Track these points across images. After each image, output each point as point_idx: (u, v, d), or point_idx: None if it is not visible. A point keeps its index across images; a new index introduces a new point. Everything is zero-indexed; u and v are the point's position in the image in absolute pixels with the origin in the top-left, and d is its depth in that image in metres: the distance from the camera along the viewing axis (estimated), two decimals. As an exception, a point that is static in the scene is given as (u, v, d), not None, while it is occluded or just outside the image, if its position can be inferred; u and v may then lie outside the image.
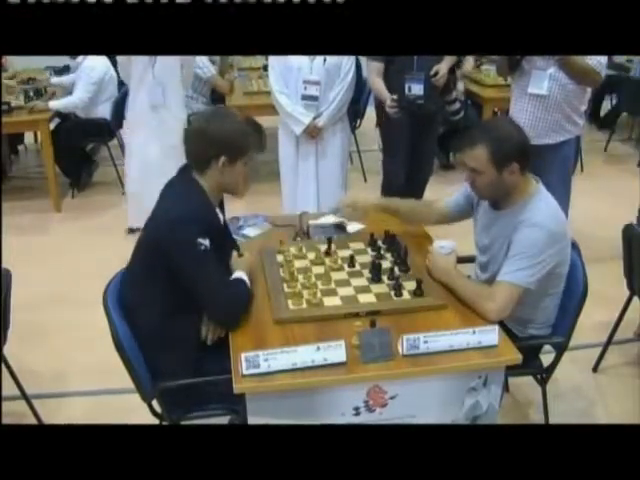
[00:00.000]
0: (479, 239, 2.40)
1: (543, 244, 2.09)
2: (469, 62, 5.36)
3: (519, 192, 2.19)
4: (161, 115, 4.11)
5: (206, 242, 2.01)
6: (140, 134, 4.21)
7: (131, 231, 4.37)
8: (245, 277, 2.14)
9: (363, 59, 4.25)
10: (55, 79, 5.62)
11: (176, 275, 2.03)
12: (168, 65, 4.04)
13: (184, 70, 4.16)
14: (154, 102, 4.08)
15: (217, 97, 5.52)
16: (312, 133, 3.73)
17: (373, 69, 3.69)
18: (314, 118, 3.69)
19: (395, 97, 3.56)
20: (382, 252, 2.45)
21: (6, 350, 2.56)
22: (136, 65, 4.07)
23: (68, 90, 5.27)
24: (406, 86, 3.62)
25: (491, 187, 2.18)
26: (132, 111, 4.24)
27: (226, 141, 2.07)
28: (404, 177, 3.85)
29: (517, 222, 2.15)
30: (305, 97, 3.67)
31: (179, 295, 2.06)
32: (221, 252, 2.15)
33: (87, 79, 4.88)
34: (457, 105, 3.79)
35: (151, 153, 4.16)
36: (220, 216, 2.25)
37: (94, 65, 4.93)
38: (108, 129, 5.13)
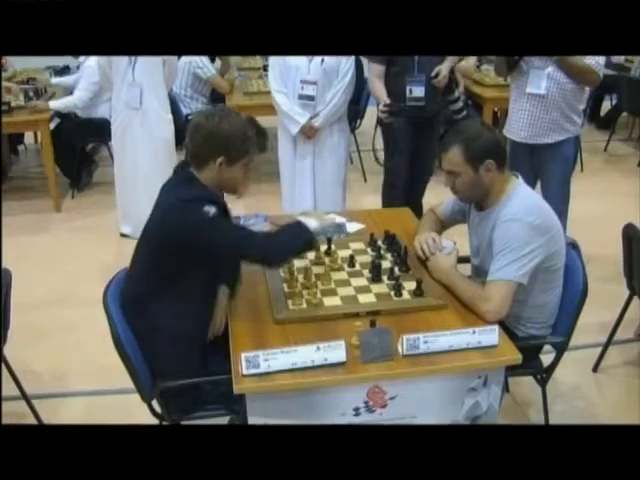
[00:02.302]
0: (471, 242, 2.42)
1: (524, 237, 2.09)
2: (468, 60, 5.33)
3: (498, 191, 2.21)
4: (145, 116, 4.08)
5: (212, 209, 1.99)
6: (124, 138, 4.19)
7: (123, 236, 4.37)
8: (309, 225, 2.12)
9: (365, 58, 4.25)
10: (55, 79, 5.60)
11: (189, 255, 2.01)
12: (149, 65, 3.99)
13: (166, 68, 4.10)
14: (131, 105, 4.05)
15: (217, 97, 5.53)
16: (308, 133, 3.73)
17: (374, 71, 3.69)
18: (311, 118, 3.69)
19: (388, 102, 3.56)
20: (382, 252, 2.45)
21: (6, 350, 2.55)
22: (117, 66, 4.04)
23: (69, 90, 5.27)
24: (407, 88, 3.61)
25: (471, 187, 2.20)
26: (115, 114, 4.22)
27: (226, 142, 2.04)
28: (406, 178, 3.86)
29: (495, 220, 2.18)
30: (302, 97, 3.67)
31: (184, 290, 2.06)
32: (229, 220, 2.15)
33: (89, 79, 4.87)
34: (460, 104, 3.79)
35: (135, 156, 4.15)
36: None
37: (96, 65, 4.92)
38: (108, 129, 5.13)
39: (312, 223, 2.14)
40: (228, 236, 2.04)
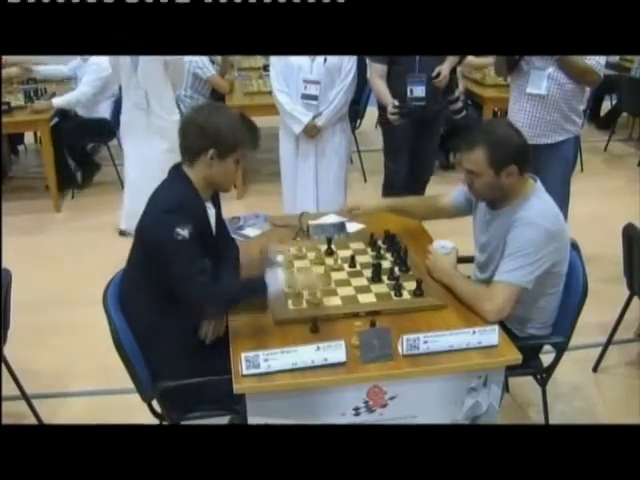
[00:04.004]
0: (477, 238, 2.41)
1: (539, 242, 2.09)
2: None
3: (516, 192, 2.19)
4: (150, 118, 4.10)
5: (185, 232, 1.96)
6: (132, 137, 4.22)
7: (122, 234, 4.37)
8: (266, 281, 2.08)
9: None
10: (41, 67, 5.48)
11: (156, 264, 2.02)
12: (150, 69, 4.00)
13: (169, 71, 4.09)
14: (138, 105, 4.08)
15: (217, 97, 5.52)
16: (311, 133, 3.73)
17: (375, 71, 3.69)
18: (314, 118, 3.69)
19: (397, 103, 3.55)
20: (382, 252, 2.45)
21: (6, 350, 2.56)
22: (123, 68, 4.07)
23: (60, 80, 5.26)
24: (408, 88, 3.62)
25: (489, 189, 2.18)
26: (124, 114, 4.25)
27: (216, 135, 2.03)
28: (406, 177, 3.86)
29: (512, 221, 2.16)
30: (305, 96, 3.67)
31: (164, 290, 2.05)
32: (204, 241, 2.09)
33: (94, 74, 4.87)
34: (459, 104, 3.79)
35: (143, 156, 4.16)
36: (212, 210, 2.21)
37: (101, 61, 4.91)
38: (108, 129, 5.11)
39: (280, 277, 2.13)
40: (181, 269, 1.98)
